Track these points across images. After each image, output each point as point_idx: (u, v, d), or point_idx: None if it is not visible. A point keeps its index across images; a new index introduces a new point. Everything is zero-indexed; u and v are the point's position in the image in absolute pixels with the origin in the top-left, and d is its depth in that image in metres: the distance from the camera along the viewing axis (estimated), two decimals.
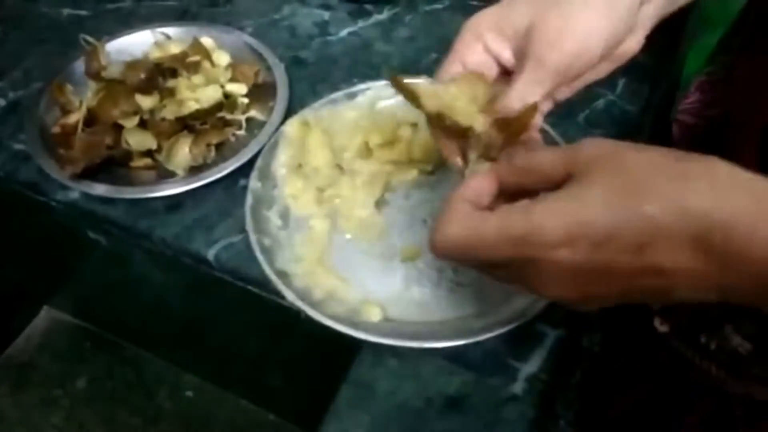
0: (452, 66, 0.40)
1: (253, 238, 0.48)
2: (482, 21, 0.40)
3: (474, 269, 0.36)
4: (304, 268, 0.48)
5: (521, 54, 0.39)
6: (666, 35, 0.64)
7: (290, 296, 0.45)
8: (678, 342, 0.40)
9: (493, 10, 0.40)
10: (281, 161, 0.53)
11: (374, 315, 0.45)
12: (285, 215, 0.51)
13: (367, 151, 0.54)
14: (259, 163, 0.53)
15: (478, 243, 0.31)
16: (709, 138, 0.44)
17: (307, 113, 0.55)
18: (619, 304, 0.32)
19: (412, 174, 0.54)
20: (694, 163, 0.28)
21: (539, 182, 0.31)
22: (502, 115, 0.38)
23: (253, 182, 0.51)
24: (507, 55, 0.40)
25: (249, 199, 0.51)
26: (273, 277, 0.46)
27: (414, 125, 0.55)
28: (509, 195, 0.33)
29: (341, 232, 0.51)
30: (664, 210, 0.27)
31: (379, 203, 0.52)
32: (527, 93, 0.38)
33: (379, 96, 0.57)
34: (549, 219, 0.29)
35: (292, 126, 0.54)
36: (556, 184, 0.30)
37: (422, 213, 0.51)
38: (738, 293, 0.27)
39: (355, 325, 0.44)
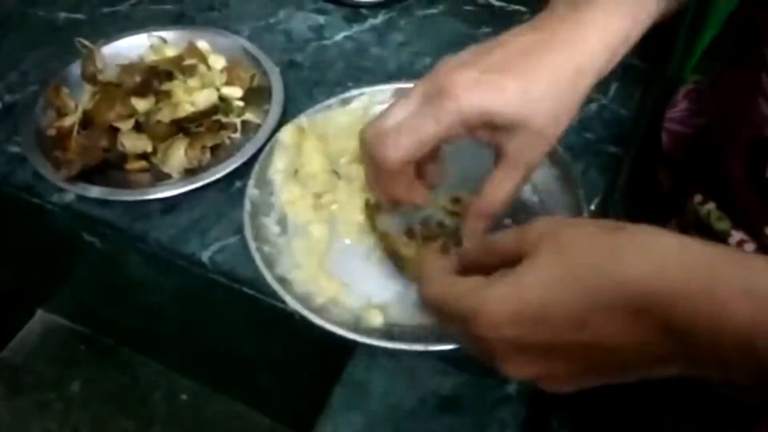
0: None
1: (252, 245, 0.48)
2: (473, 109, 0.37)
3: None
4: (304, 274, 0.48)
5: (498, 148, 0.40)
6: (659, 39, 0.65)
7: (292, 303, 0.45)
8: None
9: (486, 96, 0.37)
10: (277, 168, 0.54)
11: (375, 319, 0.45)
12: (283, 222, 0.52)
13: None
14: (255, 170, 0.53)
15: (442, 307, 0.33)
16: (699, 147, 0.44)
17: (301, 120, 0.55)
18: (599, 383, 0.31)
19: None
20: (628, 235, 0.28)
21: (497, 261, 0.32)
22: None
23: (251, 189, 0.52)
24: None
25: (247, 206, 0.51)
26: (274, 284, 0.46)
27: None
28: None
29: (340, 237, 0.51)
30: (600, 286, 0.27)
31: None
32: (502, 191, 0.41)
33: (373, 101, 0.57)
34: (495, 299, 0.30)
35: (287, 133, 0.55)
36: (512, 262, 0.31)
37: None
38: (700, 361, 0.27)
39: (356, 329, 0.44)
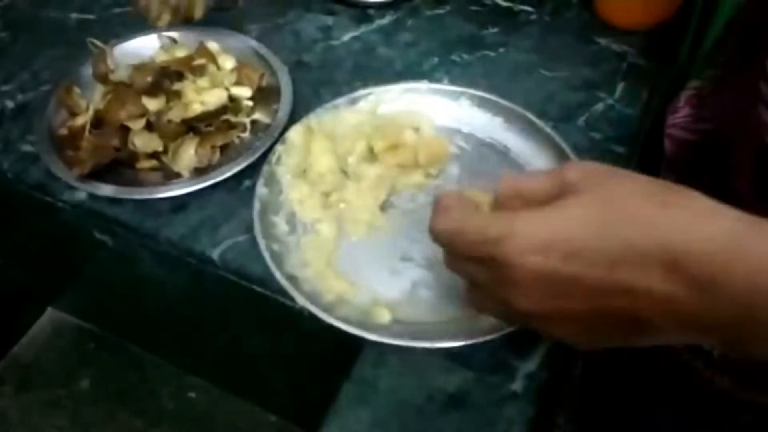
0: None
1: (262, 243, 0.49)
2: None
3: (460, 272, 0.36)
4: (312, 272, 0.49)
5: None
6: (667, 39, 0.65)
7: (300, 300, 0.45)
8: (683, 350, 0.40)
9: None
10: (286, 167, 0.54)
11: (384, 317, 0.46)
12: (292, 220, 0.52)
13: (371, 156, 0.55)
14: (264, 169, 0.53)
15: (459, 236, 0.33)
16: (703, 154, 0.44)
17: (310, 119, 0.56)
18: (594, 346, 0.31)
19: (417, 177, 0.54)
20: (675, 193, 0.29)
21: (530, 200, 0.32)
22: None
23: (260, 188, 0.52)
24: None
25: (257, 205, 0.51)
26: (283, 281, 0.47)
27: (416, 129, 0.56)
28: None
29: (348, 235, 0.52)
30: (641, 234, 0.28)
31: (385, 206, 0.53)
32: None
33: (381, 100, 0.58)
34: (526, 227, 0.30)
35: (296, 132, 0.55)
36: (545, 202, 0.31)
37: (427, 215, 0.51)
38: (716, 324, 0.27)
39: (365, 326, 0.44)
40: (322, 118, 0.56)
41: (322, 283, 0.48)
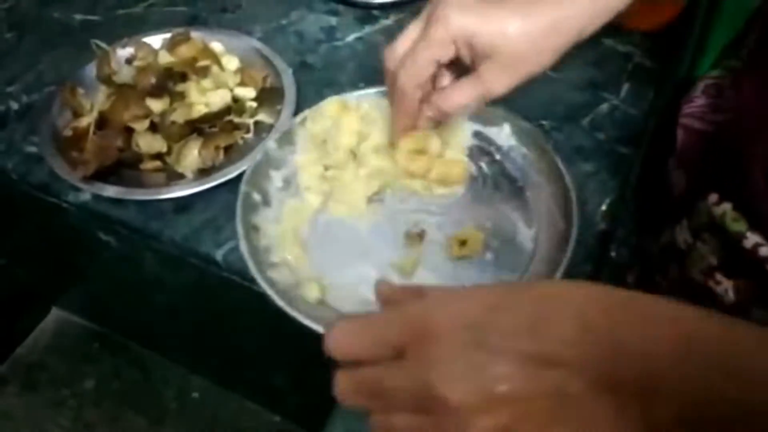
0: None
1: (243, 188, 0.51)
2: (459, 30, 0.42)
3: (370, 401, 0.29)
4: (277, 230, 0.50)
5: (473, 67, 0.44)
6: (671, 38, 0.65)
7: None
8: None
9: (471, 20, 0.42)
10: (308, 131, 0.55)
11: (311, 293, 0.47)
12: (288, 180, 0.54)
13: (384, 148, 0.54)
14: (285, 127, 0.55)
15: (371, 323, 0.29)
16: (717, 145, 0.44)
17: (347, 97, 0.56)
18: None
19: (417, 185, 0.53)
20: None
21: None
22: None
23: (271, 143, 0.53)
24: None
25: (258, 156, 0.53)
26: (239, 226, 0.48)
27: (445, 144, 0.54)
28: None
29: (327, 212, 0.52)
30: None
31: (373, 198, 0.53)
32: (460, 95, 0.45)
33: None
34: (439, 296, 0.29)
35: (330, 103, 0.55)
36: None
37: (407, 224, 0.51)
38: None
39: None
40: (360, 99, 0.56)
41: (279, 240, 0.49)
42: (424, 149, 0.53)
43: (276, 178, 0.53)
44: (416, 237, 0.50)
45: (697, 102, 0.48)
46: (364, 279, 0.48)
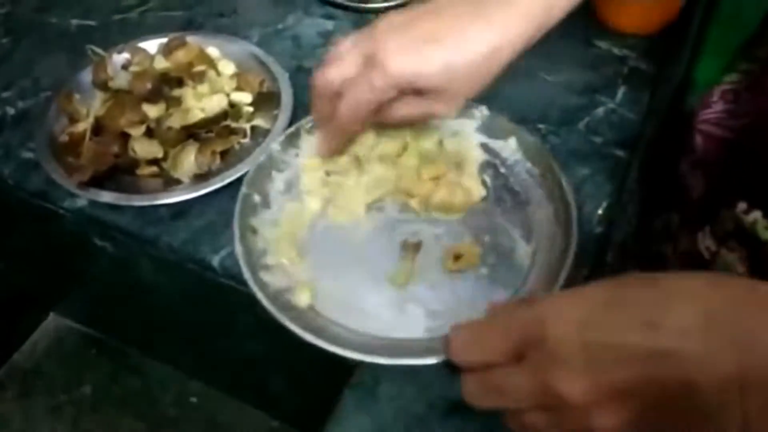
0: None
1: (244, 190, 0.51)
2: (403, 75, 0.42)
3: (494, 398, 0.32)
4: (275, 233, 0.50)
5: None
6: (667, 41, 0.65)
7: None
8: None
9: (414, 64, 0.42)
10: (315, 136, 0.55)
11: (302, 298, 0.46)
12: (291, 182, 0.53)
13: (390, 158, 0.53)
14: (291, 130, 0.54)
15: (491, 329, 0.32)
16: (740, 152, 0.43)
17: None
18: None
19: (415, 203, 0.52)
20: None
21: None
22: None
23: (275, 144, 0.53)
24: None
25: (261, 158, 0.53)
26: (236, 227, 0.48)
27: (459, 164, 0.53)
28: None
29: (327, 218, 0.52)
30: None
31: (372, 206, 0.52)
32: (403, 110, 0.45)
33: (451, 130, 0.55)
34: (554, 301, 0.30)
35: None
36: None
37: (405, 234, 0.51)
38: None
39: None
40: None
41: (276, 243, 0.49)
42: (438, 174, 0.52)
43: (278, 180, 0.53)
44: (412, 247, 0.49)
45: (714, 108, 0.47)
46: (356, 287, 0.48)
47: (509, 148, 0.53)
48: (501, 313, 0.33)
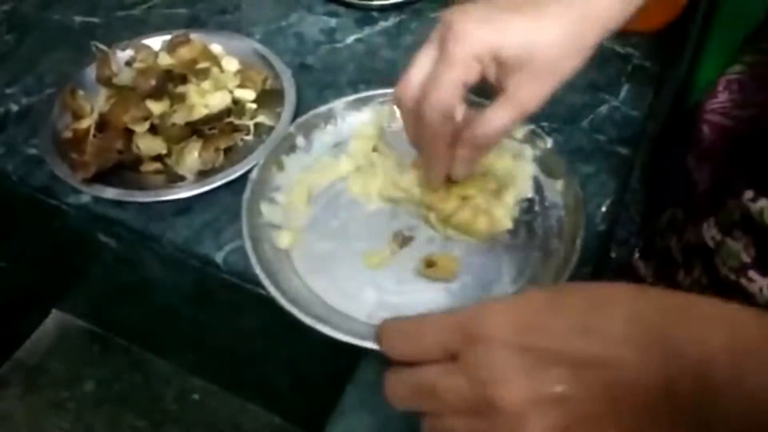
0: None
1: (291, 129, 0.55)
2: (483, 45, 0.39)
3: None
4: (299, 177, 0.53)
5: (499, 85, 0.40)
6: (671, 40, 0.65)
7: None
8: None
9: (494, 33, 0.38)
10: (380, 113, 0.56)
11: (283, 241, 0.49)
12: (339, 141, 0.56)
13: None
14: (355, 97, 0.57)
15: (426, 324, 0.29)
16: (746, 141, 0.43)
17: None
18: None
19: (432, 219, 0.51)
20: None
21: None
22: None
23: (339, 103, 0.56)
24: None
25: (321, 109, 0.56)
26: (269, 150, 0.52)
27: (497, 196, 0.51)
28: None
29: (346, 183, 0.54)
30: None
31: (386, 198, 0.53)
32: (495, 123, 0.41)
33: (512, 152, 0.53)
34: (492, 305, 0.28)
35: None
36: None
37: (404, 224, 0.51)
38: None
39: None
40: None
41: (295, 185, 0.52)
42: (470, 197, 0.49)
43: (329, 133, 0.56)
44: (400, 239, 0.50)
45: (720, 98, 0.47)
46: (333, 251, 0.50)
47: (553, 189, 0.51)
48: (439, 313, 0.31)
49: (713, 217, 0.42)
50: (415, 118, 0.41)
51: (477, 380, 0.26)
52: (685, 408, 0.24)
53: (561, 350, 0.26)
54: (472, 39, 0.38)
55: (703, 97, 0.47)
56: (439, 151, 0.43)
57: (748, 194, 0.39)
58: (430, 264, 0.48)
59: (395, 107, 0.45)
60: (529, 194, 0.52)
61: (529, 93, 0.40)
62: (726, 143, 0.45)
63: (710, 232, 0.42)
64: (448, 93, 0.39)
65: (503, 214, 0.49)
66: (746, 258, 0.39)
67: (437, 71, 0.39)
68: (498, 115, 0.41)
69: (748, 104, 0.44)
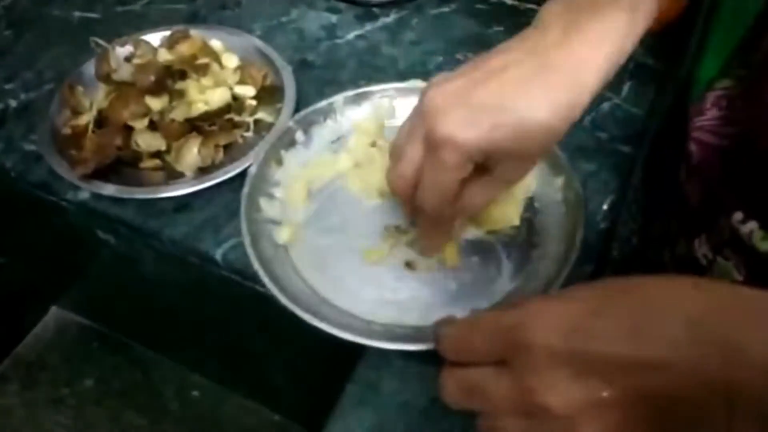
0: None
1: (290, 124, 0.54)
2: (474, 149, 0.38)
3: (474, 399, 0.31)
4: (298, 171, 0.53)
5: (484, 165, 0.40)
6: (673, 38, 0.65)
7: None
8: None
9: (483, 135, 0.37)
10: (382, 106, 0.56)
11: (282, 236, 0.49)
12: (339, 137, 0.56)
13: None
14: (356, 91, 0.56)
15: (472, 330, 0.30)
16: (735, 161, 0.42)
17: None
18: None
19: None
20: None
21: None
22: None
23: (339, 97, 0.56)
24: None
25: (322, 104, 0.55)
26: (269, 145, 0.52)
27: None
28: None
29: (345, 179, 0.54)
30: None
31: (385, 195, 0.52)
32: (479, 200, 0.42)
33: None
34: (541, 308, 0.28)
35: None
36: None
37: (399, 219, 0.51)
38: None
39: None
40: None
41: (293, 180, 0.52)
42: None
43: (328, 128, 0.56)
44: (392, 233, 0.50)
45: (707, 115, 0.46)
46: (331, 248, 0.50)
47: (554, 186, 0.51)
48: (487, 315, 0.32)
49: (705, 234, 0.41)
50: (413, 205, 0.42)
51: (526, 387, 0.27)
52: (749, 412, 0.23)
53: (609, 354, 0.25)
54: (461, 146, 0.37)
55: (692, 112, 0.47)
56: (442, 227, 0.45)
57: (737, 216, 0.39)
58: (410, 265, 0.48)
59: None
60: (531, 191, 0.51)
61: (516, 173, 0.40)
62: (715, 161, 0.44)
63: (702, 250, 0.41)
64: (447, 190, 0.40)
65: (513, 210, 0.50)
66: (738, 276, 0.39)
67: (433, 175, 0.39)
68: (484, 192, 0.41)
69: (736, 121, 0.44)
